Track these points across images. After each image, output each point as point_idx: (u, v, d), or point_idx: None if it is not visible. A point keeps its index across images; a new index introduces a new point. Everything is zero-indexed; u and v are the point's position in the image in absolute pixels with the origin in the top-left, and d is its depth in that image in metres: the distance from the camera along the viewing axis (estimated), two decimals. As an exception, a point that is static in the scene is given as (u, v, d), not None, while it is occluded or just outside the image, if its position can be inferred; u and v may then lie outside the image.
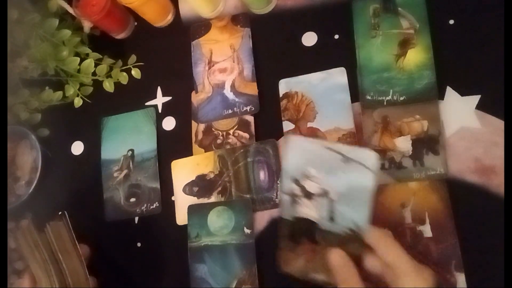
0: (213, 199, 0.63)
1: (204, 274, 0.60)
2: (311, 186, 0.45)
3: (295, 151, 0.47)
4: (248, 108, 0.64)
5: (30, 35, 0.69)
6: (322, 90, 0.62)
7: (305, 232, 0.46)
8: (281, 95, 0.64)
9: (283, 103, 0.63)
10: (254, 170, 0.62)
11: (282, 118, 0.62)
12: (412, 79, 0.57)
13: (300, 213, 0.46)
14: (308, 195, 0.46)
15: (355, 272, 0.43)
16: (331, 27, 0.64)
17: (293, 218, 0.47)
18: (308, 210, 0.46)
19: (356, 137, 0.58)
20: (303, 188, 0.46)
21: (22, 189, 0.71)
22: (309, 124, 0.61)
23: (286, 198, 0.47)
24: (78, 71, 0.72)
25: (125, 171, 0.69)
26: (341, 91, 0.61)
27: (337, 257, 0.44)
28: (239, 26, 0.69)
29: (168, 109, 0.70)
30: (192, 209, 0.63)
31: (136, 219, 0.67)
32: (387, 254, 0.42)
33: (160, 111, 0.70)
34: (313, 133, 0.60)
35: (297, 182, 0.46)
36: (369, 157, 0.43)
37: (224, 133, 0.65)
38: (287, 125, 0.62)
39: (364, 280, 0.43)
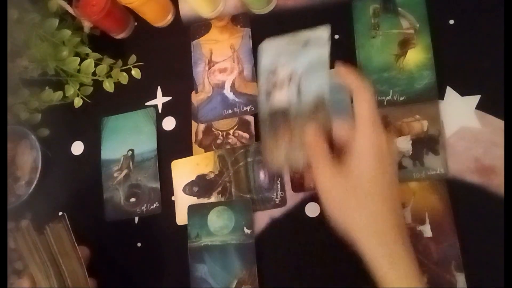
0: (213, 199, 0.63)
1: (204, 274, 0.60)
2: (280, 76, 0.49)
3: (267, 51, 0.50)
4: (248, 108, 0.64)
5: (30, 35, 0.69)
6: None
7: (281, 122, 0.48)
8: (281, 95, 0.64)
9: (283, 103, 0.63)
10: (254, 170, 0.62)
11: (282, 118, 0.63)
12: (412, 79, 0.57)
13: (274, 106, 0.49)
14: (279, 85, 0.49)
15: (324, 147, 0.45)
16: (331, 27, 0.64)
17: (269, 113, 0.49)
18: (280, 99, 0.48)
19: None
20: (274, 81, 0.49)
21: (22, 189, 0.70)
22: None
23: (262, 98, 0.49)
24: (78, 71, 0.71)
25: (125, 171, 0.69)
26: (341, 91, 0.60)
27: (310, 135, 0.46)
28: (239, 26, 0.69)
29: (168, 109, 0.70)
30: (192, 209, 0.63)
31: (136, 219, 0.67)
32: (358, 105, 0.46)
33: (160, 111, 0.70)
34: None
35: (269, 76, 0.49)
36: (322, 33, 0.48)
37: (224, 133, 0.65)
38: (287, 125, 0.62)
39: (333, 154, 0.45)
